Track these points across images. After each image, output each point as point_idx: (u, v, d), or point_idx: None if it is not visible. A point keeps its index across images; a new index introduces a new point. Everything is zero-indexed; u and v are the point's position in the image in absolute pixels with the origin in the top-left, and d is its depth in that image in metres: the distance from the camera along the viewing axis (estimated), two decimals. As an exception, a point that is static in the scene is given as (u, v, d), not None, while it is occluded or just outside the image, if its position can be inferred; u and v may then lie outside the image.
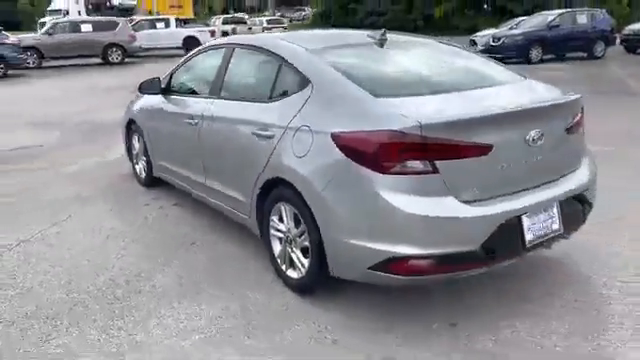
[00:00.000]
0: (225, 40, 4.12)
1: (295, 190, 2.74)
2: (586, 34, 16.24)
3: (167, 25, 22.66)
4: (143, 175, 4.94)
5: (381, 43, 3.27)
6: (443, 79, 3.07)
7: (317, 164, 2.63)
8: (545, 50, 15.83)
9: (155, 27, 22.40)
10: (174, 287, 3.10)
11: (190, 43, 20.60)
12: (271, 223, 3.07)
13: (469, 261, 2.44)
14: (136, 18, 24.81)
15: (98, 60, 18.74)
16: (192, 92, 4.16)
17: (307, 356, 2.47)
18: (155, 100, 4.43)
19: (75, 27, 18.94)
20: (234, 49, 3.67)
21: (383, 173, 2.37)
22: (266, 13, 46.04)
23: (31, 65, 17.30)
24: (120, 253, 3.57)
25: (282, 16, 43.52)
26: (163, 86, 4.32)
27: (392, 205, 2.34)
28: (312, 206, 2.64)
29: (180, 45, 21.78)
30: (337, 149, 2.52)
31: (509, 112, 2.57)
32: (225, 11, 53.18)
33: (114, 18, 21.59)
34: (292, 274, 2.98)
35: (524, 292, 2.92)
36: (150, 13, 32.38)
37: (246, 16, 36.19)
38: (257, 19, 33.14)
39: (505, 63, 3.61)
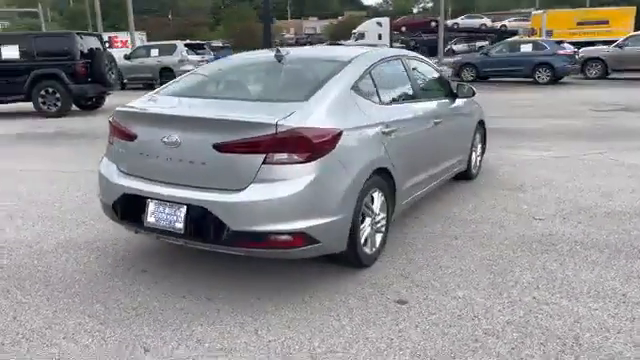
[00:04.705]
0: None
1: None
2: None
3: None
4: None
5: (279, 59, 3.70)
6: (235, 89, 3.75)
7: None
8: None
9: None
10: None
11: None
12: None
13: (111, 213, 3.33)
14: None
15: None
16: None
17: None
18: None
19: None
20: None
21: (109, 143, 3.46)
22: None
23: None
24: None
25: None
26: None
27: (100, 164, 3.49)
28: None
29: None
30: None
31: (148, 114, 3.29)
32: None
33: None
34: None
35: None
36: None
37: None
38: None
39: None
